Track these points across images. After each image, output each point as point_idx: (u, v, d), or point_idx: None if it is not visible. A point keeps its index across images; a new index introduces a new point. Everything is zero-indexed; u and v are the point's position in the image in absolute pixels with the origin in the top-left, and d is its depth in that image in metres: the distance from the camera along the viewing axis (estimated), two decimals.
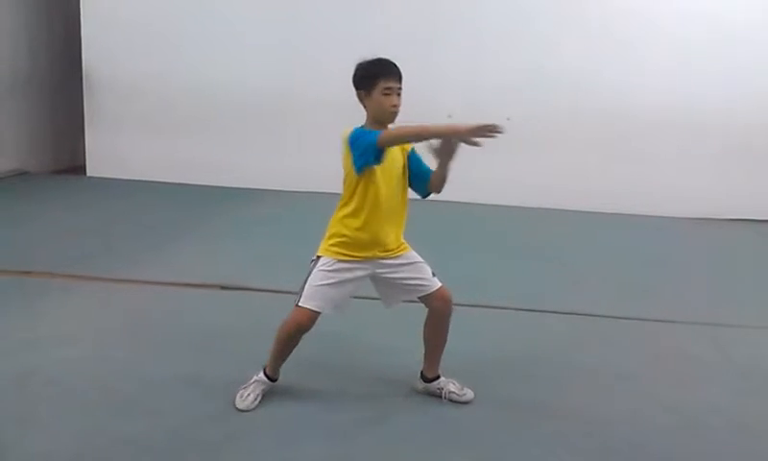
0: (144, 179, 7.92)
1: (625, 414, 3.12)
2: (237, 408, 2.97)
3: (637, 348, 3.91)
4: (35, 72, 8.38)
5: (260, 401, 3.01)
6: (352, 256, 2.90)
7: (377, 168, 2.80)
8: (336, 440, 2.80)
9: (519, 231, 6.53)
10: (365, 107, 2.87)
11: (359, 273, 2.93)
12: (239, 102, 7.97)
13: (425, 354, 3.13)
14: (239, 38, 7.91)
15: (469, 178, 7.58)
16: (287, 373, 3.11)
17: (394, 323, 3.54)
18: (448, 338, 3.08)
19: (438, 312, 3.01)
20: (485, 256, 5.58)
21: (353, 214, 2.87)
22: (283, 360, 3.04)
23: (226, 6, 7.92)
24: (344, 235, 2.89)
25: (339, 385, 3.25)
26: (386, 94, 2.81)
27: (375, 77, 2.81)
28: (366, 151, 2.74)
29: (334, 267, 2.89)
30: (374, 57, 2.87)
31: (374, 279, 2.99)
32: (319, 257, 2.94)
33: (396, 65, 2.85)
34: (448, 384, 3.11)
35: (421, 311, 3.06)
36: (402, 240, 3.00)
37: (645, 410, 3.15)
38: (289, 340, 2.97)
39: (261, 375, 3.06)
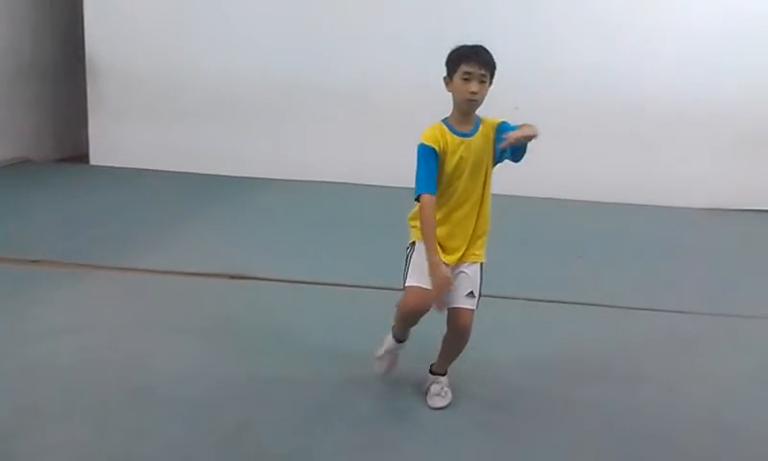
0: (148, 167, 7.88)
1: (645, 404, 3.10)
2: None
3: (654, 339, 3.88)
4: (37, 60, 8.31)
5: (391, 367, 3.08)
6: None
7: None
8: (357, 429, 2.78)
9: (531, 222, 6.48)
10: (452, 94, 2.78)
11: None
12: (242, 90, 7.92)
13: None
14: (242, 27, 7.84)
15: None
16: (297, 362, 3.09)
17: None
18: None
19: (449, 328, 2.88)
20: (497, 248, 5.51)
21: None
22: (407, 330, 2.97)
23: None
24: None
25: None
26: (465, 79, 2.69)
27: (458, 60, 2.70)
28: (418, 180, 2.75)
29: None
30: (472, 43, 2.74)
31: None
32: (414, 243, 2.86)
33: (483, 51, 2.71)
34: (433, 385, 3.00)
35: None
36: (480, 245, 2.87)
37: (665, 401, 3.14)
38: (406, 321, 2.87)
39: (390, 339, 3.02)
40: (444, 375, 3.04)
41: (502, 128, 2.75)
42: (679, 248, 5.89)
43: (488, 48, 2.76)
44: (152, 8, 7.93)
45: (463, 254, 2.84)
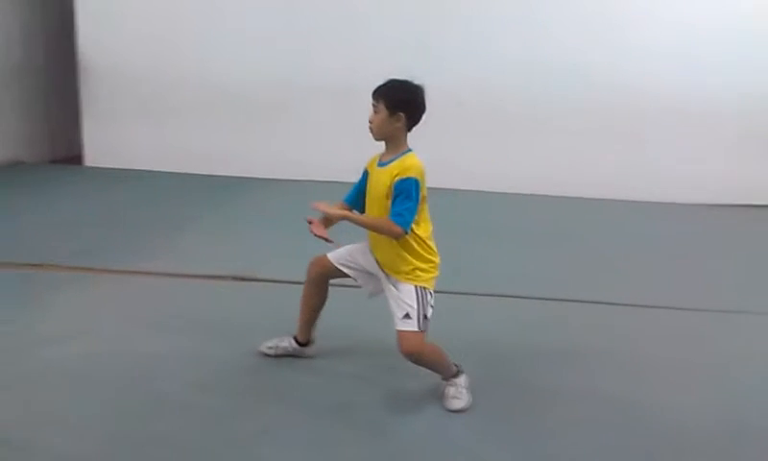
0: (143, 168, 7.80)
1: (653, 399, 3.09)
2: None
3: (658, 334, 3.87)
4: (29, 62, 8.19)
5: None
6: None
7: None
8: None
9: (518, 219, 6.47)
10: None
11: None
12: (238, 90, 7.85)
13: None
14: (237, 26, 7.78)
15: (461, 165, 7.56)
16: (309, 364, 3.02)
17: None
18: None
19: None
20: (485, 244, 5.48)
21: None
22: (303, 318, 3.28)
23: None
24: None
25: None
26: None
27: None
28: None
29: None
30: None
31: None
32: None
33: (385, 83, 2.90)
34: (448, 388, 2.99)
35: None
36: (406, 271, 2.87)
37: (670, 395, 3.13)
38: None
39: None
40: (456, 377, 3.01)
41: (395, 185, 2.83)
42: (674, 244, 5.87)
43: (400, 79, 2.93)
44: (144, 7, 7.84)
45: (392, 270, 2.91)
